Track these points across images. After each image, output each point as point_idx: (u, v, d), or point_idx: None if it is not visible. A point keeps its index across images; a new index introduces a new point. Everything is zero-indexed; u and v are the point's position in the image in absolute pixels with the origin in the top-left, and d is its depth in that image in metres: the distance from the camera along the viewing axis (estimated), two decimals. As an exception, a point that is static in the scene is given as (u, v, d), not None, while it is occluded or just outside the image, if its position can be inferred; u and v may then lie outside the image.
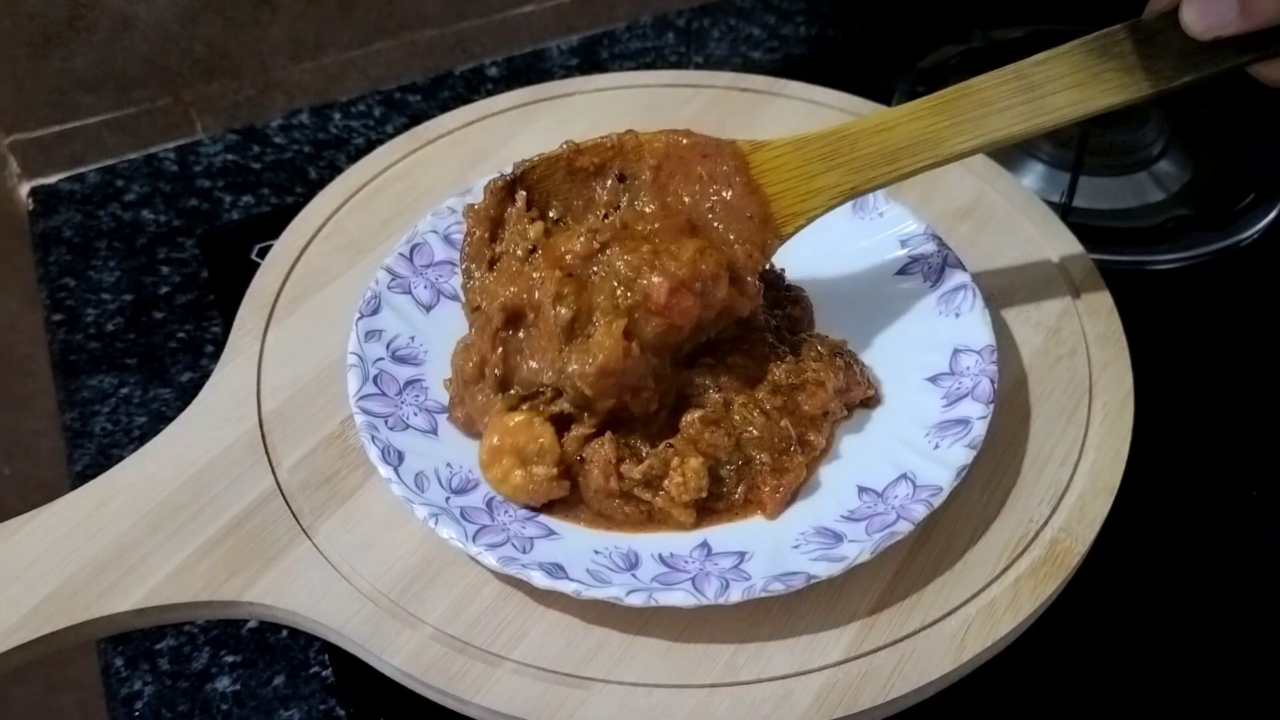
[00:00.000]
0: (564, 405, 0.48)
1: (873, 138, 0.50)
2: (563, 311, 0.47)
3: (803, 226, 0.51)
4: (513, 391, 0.49)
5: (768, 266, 0.53)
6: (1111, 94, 0.50)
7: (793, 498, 0.49)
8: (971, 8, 0.85)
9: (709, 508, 0.48)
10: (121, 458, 0.51)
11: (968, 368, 0.51)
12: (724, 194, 0.50)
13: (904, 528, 0.46)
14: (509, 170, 0.51)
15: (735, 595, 0.44)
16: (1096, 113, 0.50)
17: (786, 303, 0.55)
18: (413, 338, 0.54)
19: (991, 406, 0.49)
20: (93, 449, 0.62)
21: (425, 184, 0.64)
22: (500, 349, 0.49)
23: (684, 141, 0.50)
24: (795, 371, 0.50)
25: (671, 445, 0.48)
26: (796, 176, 0.50)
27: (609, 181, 0.51)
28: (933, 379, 0.52)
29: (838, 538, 0.46)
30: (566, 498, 0.48)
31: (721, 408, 0.49)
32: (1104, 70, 0.50)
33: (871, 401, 0.52)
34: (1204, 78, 0.49)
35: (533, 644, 0.45)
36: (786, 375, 0.50)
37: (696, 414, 0.49)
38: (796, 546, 0.46)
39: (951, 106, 0.50)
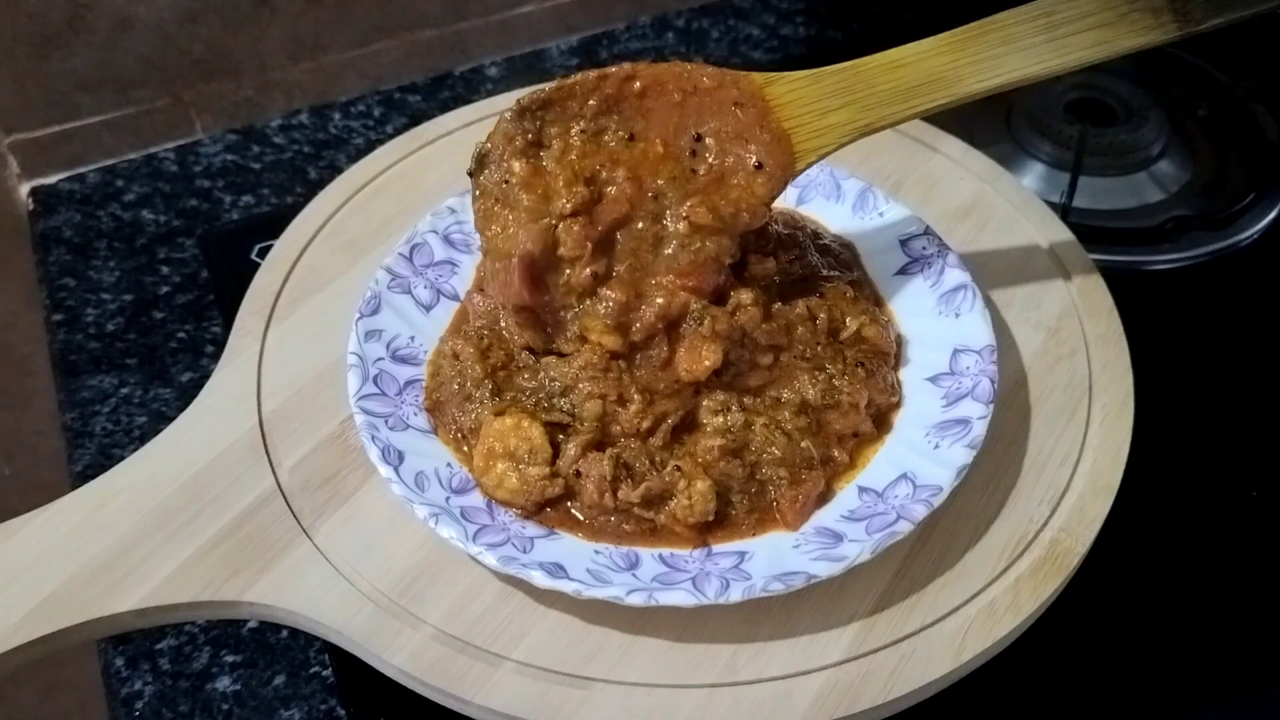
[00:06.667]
0: (556, 415, 0.48)
1: (889, 74, 0.49)
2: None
3: (814, 163, 0.50)
4: (502, 398, 0.49)
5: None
6: (1137, 35, 0.48)
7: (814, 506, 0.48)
8: (971, 8, 0.85)
9: (715, 526, 0.48)
10: (121, 458, 0.51)
11: (968, 368, 0.51)
12: (736, 128, 0.49)
13: (904, 528, 0.46)
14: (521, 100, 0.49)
15: (735, 595, 0.44)
16: (1121, 54, 0.48)
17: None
18: (413, 338, 0.54)
19: (991, 406, 0.49)
20: (93, 449, 0.62)
21: (425, 184, 0.64)
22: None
23: (705, 81, 0.49)
24: (829, 391, 0.50)
25: (679, 468, 0.47)
26: (810, 112, 0.49)
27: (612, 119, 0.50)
28: (933, 379, 0.52)
29: (838, 537, 0.46)
30: (567, 517, 0.48)
31: (742, 429, 0.49)
32: (1131, 10, 0.48)
33: (894, 408, 0.52)
34: (1234, 20, 0.48)
35: (533, 644, 0.45)
36: (821, 396, 0.50)
37: (717, 442, 0.48)
38: (796, 546, 0.46)
39: (971, 44, 0.49)
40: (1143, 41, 0.48)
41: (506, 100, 0.69)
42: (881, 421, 0.51)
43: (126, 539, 0.48)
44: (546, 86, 0.49)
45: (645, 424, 0.48)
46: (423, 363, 0.53)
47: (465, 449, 0.50)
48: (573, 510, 0.48)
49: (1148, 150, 0.73)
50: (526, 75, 0.87)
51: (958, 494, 0.48)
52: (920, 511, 0.46)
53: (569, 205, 0.48)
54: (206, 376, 0.55)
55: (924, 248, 0.56)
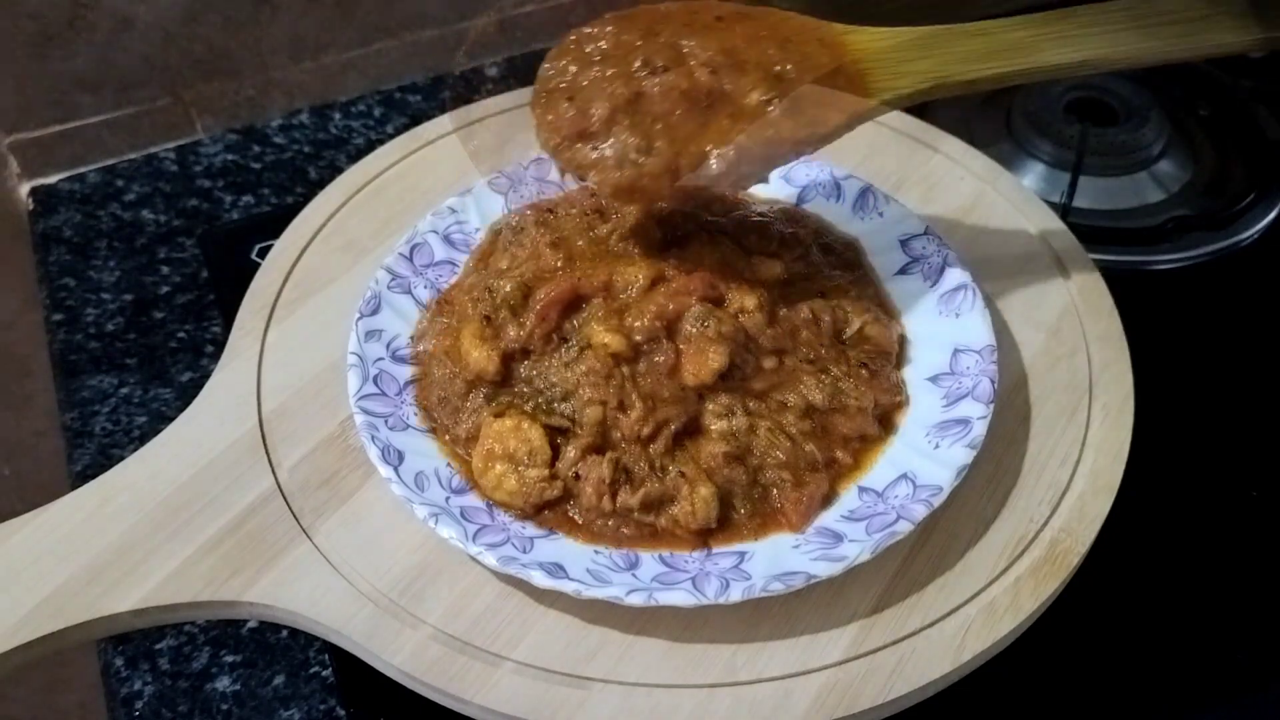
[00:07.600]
0: (556, 419, 0.48)
1: (971, 39, 0.50)
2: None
3: (889, 100, 0.49)
4: (501, 400, 0.49)
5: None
6: (1224, 33, 0.48)
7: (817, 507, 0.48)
8: (972, 9, 0.85)
9: (717, 530, 0.47)
10: (121, 458, 0.51)
11: (968, 368, 0.51)
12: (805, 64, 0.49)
13: (904, 527, 0.46)
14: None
15: (735, 595, 0.44)
16: (1204, 55, 0.49)
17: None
18: (413, 338, 0.54)
19: (992, 406, 0.49)
20: (93, 449, 0.62)
21: (425, 184, 0.64)
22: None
23: (790, 23, 0.50)
24: (835, 395, 0.50)
25: (682, 473, 0.47)
26: (890, 60, 0.50)
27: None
28: (933, 379, 0.52)
29: (838, 537, 0.46)
30: (566, 520, 0.48)
31: (746, 434, 0.48)
32: (1217, 13, 0.48)
33: (898, 408, 0.52)
34: None
35: (533, 644, 0.45)
36: (826, 400, 0.49)
37: (720, 447, 0.48)
38: (796, 546, 0.46)
39: (1055, 23, 0.50)
40: (1228, 41, 0.49)
41: (506, 100, 0.69)
42: (885, 422, 0.51)
43: (126, 539, 0.48)
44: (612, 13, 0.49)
45: (646, 430, 0.48)
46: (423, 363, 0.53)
47: (460, 451, 0.50)
48: (571, 513, 0.48)
49: (1148, 150, 0.73)
50: (527, 75, 0.86)
51: (958, 494, 0.48)
52: (920, 511, 0.46)
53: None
54: (206, 376, 0.55)
55: (924, 248, 0.56)
